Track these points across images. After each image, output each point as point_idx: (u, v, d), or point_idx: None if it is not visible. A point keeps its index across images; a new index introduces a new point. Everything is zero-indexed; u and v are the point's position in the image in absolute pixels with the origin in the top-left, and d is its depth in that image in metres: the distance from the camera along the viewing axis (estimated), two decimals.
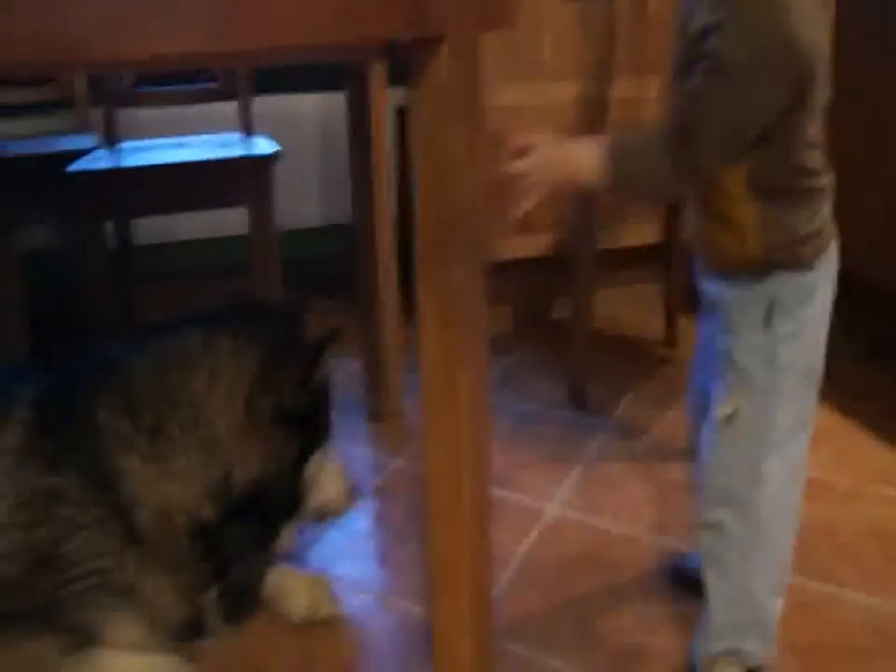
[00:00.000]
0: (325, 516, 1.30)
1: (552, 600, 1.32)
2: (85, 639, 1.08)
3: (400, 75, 1.80)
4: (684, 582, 1.30)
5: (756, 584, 1.10)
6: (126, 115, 2.29)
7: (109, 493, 1.08)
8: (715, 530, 1.10)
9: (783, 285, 1.03)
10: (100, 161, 1.96)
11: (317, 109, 2.61)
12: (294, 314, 1.29)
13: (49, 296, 2.10)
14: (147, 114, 2.40)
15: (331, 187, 2.65)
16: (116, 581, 1.08)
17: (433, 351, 1.07)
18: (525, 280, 2.33)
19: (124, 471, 1.09)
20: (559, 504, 1.56)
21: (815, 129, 1.00)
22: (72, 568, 1.07)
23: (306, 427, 1.17)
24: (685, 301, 2.19)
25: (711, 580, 1.12)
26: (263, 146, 2.06)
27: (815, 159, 1.01)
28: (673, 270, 2.15)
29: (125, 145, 2.18)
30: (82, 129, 2.31)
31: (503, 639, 1.23)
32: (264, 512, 1.15)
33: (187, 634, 1.14)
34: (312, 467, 1.27)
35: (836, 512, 1.52)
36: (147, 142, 2.26)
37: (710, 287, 1.11)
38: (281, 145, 2.10)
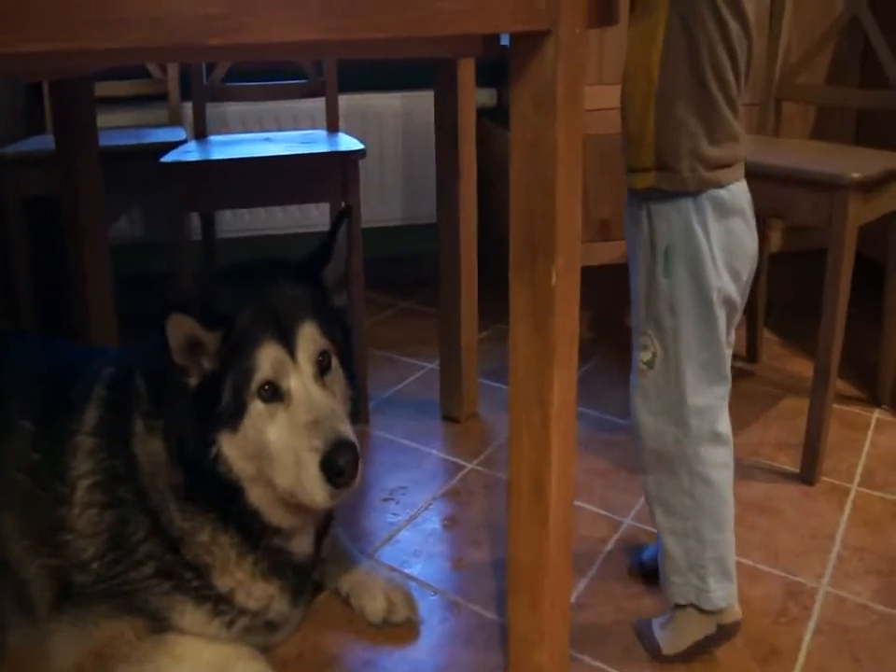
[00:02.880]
0: (388, 624, 1.25)
1: (627, 614, 1.28)
2: (159, 624, 1.09)
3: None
4: (641, 574, 1.36)
5: (701, 519, 1.13)
6: (213, 109, 2.33)
7: (131, 461, 1.11)
8: (652, 473, 1.16)
9: (669, 214, 1.06)
10: (191, 153, 1.99)
11: (398, 108, 2.61)
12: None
13: (133, 286, 2.14)
14: (232, 109, 2.45)
15: (411, 187, 2.65)
16: (165, 566, 1.09)
17: (525, 351, 1.05)
18: (602, 287, 2.29)
19: (133, 431, 1.11)
20: (635, 517, 1.52)
21: (731, 64, 1.04)
22: (134, 553, 1.09)
23: (205, 398, 1.06)
24: (769, 315, 2.14)
25: (658, 517, 1.17)
26: (349, 142, 2.07)
27: (726, 89, 1.04)
28: (758, 283, 2.09)
29: (213, 138, 2.22)
30: (173, 122, 2.36)
31: (577, 650, 1.20)
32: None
33: (253, 627, 1.14)
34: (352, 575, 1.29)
35: None
36: (234, 136, 2.30)
37: (626, 221, 1.16)
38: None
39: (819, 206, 1.58)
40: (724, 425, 1.14)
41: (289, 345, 1.06)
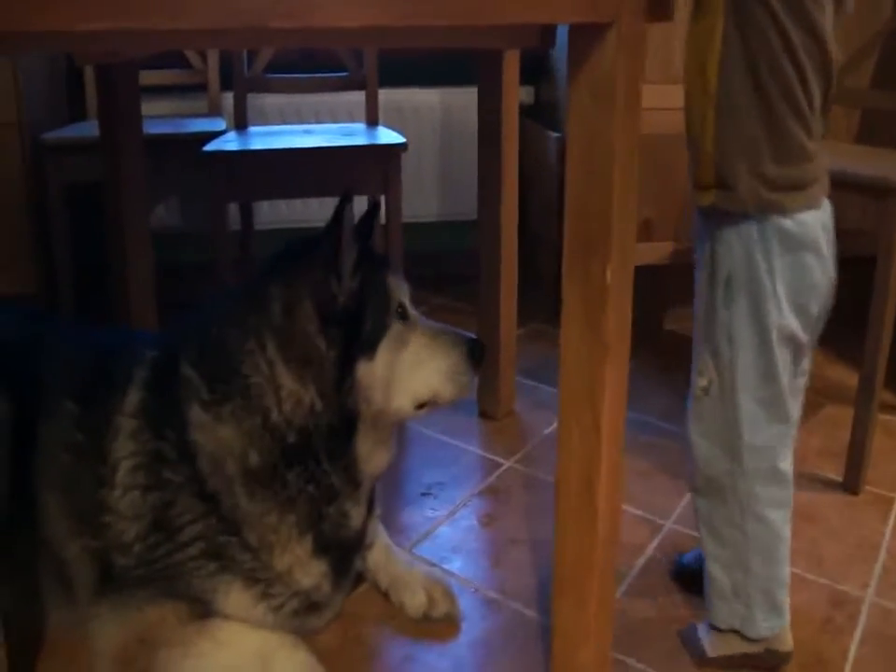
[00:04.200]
0: (428, 619, 1.25)
1: (669, 617, 1.27)
2: (203, 609, 1.09)
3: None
4: (682, 579, 1.32)
5: (750, 553, 1.09)
6: (252, 100, 2.33)
7: (187, 447, 1.10)
8: (703, 497, 1.12)
9: (735, 241, 1.01)
10: (231, 143, 2.00)
11: (436, 104, 2.60)
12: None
13: (168, 275, 2.15)
14: (271, 100, 2.45)
15: (448, 183, 2.64)
16: (214, 547, 1.08)
17: (577, 349, 1.04)
18: (642, 288, 2.27)
19: (189, 420, 1.10)
20: (676, 520, 1.50)
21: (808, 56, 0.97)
22: (178, 535, 1.08)
23: (350, 323, 1.09)
24: None
25: (706, 541, 1.13)
26: (390, 136, 2.06)
27: (799, 93, 0.97)
28: None
29: (253, 129, 2.22)
30: (212, 112, 2.36)
31: (621, 652, 1.19)
32: (318, 452, 1.11)
33: (301, 609, 1.14)
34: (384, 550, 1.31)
35: None
36: (274, 127, 2.30)
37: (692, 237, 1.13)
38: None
39: (867, 211, 1.55)
40: (786, 463, 1.08)
41: (400, 279, 1.18)
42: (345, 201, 1.07)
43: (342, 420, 1.10)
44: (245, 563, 1.09)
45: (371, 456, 1.15)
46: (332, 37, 1.12)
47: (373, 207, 1.25)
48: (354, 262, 1.09)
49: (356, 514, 1.17)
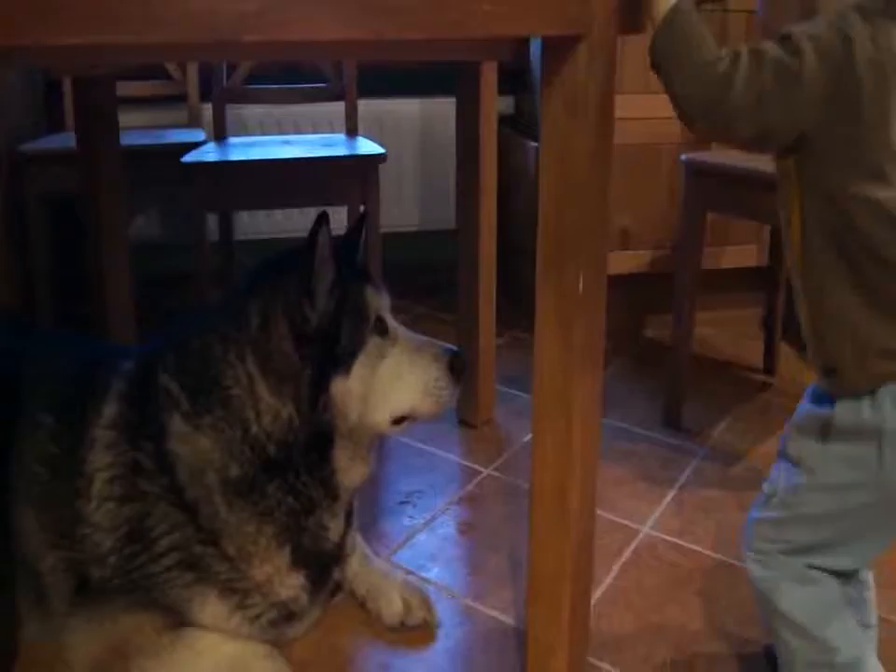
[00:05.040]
0: (405, 627, 1.25)
1: (645, 622, 1.28)
2: (178, 619, 1.09)
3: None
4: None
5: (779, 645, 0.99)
6: (231, 111, 2.34)
7: (165, 457, 1.10)
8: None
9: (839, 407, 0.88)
10: (211, 154, 2.00)
11: (416, 114, 2.62)
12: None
13: (147, 286, 2.15)
14: (250, 111, 2.46)
15: (428, 192, 2.66)
16: (190, 557, 1.08)
17: (550, 357, 1.05)
18: (620, 296, 2.29)
19: (169, 430, 1.10)
20: (653, 526, 1.51)
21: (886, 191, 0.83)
22: (154, 545, 1.08)
23: (325, 341, 1.09)
24: (786, 329, 2.13)
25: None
26: (368, 146, 2.07)
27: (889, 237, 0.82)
28: (777, 295, 2.09)
29: (232, 140, 2.23)
30: (192, 123, 2.37)
31: (596, 657, 1.20)
32: (297, 464, 1.11)
33: (278, 620, 1.14)
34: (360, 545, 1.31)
35: None
36: (253, 138, 2.31)
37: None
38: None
39: None
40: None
41: (380, 291, 1.18)
42: (320, 224, 1.06)
43: (317, 435, 1.10)
44: (222, 573, 1.09)
45: (350, 470, 1.15)
46: (307, 51, 1.13)
47: (360, 223, 1.24)
48: (330, 283, 1.09)
49: (334, 527, 1.17)
